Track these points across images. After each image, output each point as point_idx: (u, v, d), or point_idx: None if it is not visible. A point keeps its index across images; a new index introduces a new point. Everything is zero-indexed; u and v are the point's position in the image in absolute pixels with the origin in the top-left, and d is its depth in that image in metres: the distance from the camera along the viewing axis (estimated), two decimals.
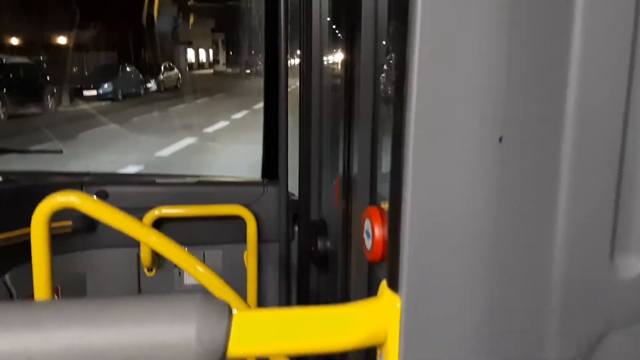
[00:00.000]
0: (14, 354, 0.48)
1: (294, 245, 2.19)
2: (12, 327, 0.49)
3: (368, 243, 1.27)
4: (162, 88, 23.68)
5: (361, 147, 1.56)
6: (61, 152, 3.20)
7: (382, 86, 1.60)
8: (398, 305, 0.55)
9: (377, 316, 0.56)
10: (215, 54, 41.21)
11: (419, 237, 0.54)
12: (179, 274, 2.23)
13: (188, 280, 2.20)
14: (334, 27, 2.04)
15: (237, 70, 36.01)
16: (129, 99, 19.72)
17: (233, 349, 0.52)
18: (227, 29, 38.13)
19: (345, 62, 1.64)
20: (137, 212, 1.98)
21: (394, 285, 0.56)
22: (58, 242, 1.41)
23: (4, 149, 2.66)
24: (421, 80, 0.52)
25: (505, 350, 0.58)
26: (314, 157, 2.06)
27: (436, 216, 0.55)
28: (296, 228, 2.20)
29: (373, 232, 1.23)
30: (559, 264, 0.58)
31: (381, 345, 0.57)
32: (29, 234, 1.70)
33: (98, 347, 0.50)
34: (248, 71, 34.50)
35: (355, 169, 1.58)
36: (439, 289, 0.55)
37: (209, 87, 25.52)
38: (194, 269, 1.48)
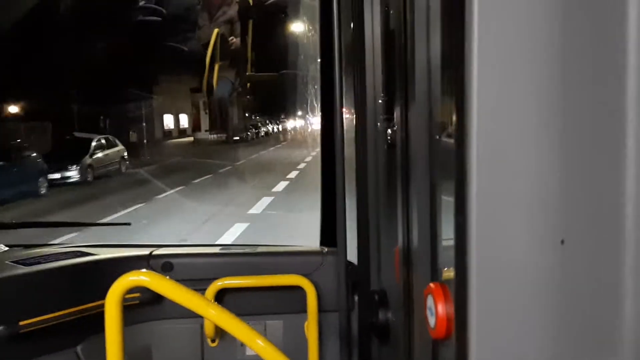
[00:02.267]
0: None
1: (354, 315, 2.18)
2: None
3: (431, 321, 1.25)
4: (89, 176, 15.29)
5: (420, 216, 1.54)
6: (129, 224, 3.34)
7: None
8: None
9: None
10: (196, 119, 34.49)
11: (487, 323, 0.55)
12: (241, 344, 2.24)
13: (250, 351, 2.21)
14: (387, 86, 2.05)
15: (224, 136, 30.55)
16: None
17: None
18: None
19: (399, 126, 1.64)
20: (201, 283, 2.03)
21: None
22: (126, 313, 1.47)
23: (71, 223, 2.81)
24: (480, 176, 0.54)
25: None
26: (372, 224, 2.06)
27: (503, 294, 0.55)
28: (356, 298, 2.19)
29: (436, 310, 1.22)
30: (630, 258, 0.57)
31: None
32: (99, 306, 1.78)
33: None
34: (237, 138, 30.01)
35: (414, 239, 1.57)
36: None
37: (182, 166, 19.36)
38: (254, 343, 1.50)
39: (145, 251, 2.25)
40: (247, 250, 2.36)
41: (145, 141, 24.14)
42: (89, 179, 15.34)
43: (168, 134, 31.15)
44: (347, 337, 2.10)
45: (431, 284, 1.27)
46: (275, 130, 39.57)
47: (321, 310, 2.13)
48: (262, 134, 36.15)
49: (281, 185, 15.33)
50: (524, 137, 0.55)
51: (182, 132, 32.91)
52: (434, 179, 1.53)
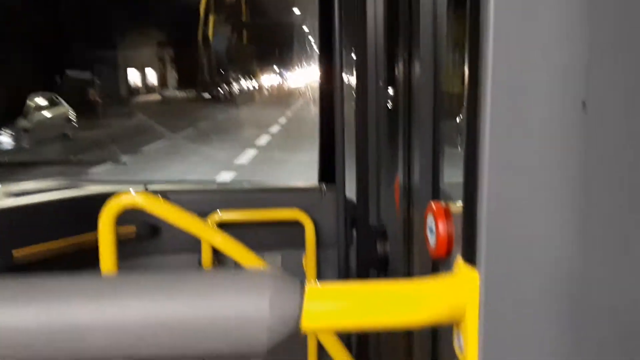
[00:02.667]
0: (94, 323, 0.49)
1: (353, 249, 2.17)
2: (93, 297, 0.50)
3: (431, 240, 1.24)
4: (25, 142, 12.38)
5: (422, 145, 1.53)
6: (125, 163, 3.31)
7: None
8: (477, 280, 0.52)
9: (454, 291, 0.53)
10: (162, 74, 31.32)
11: (496, 208, 0.52)
12: None
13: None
14: (390, 22, 2.02)
15: (193, 94, 28.47)
16: None
17: (306, 323, 0.51)
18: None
19: (403, 58, 1.62)
20: (198, 216, 2.02)
21: (471, 259, 0.53)
22: (122, 247, 1.45)
23: (70, 160, 2.78)
24: (497, 57, 0.50)
25: (591, 331, 0.54)
26: (371, 160, 2.04)
27: (515, 188, 0.52)
28: (354, 233, 2.18)
29: (437, 227, 1.20)
30: None
31: (459, 322, 0.55)
32: (93, 240, 1.76)
33: (174, 317, 0.50)
34: (208, 95, 27.73)
35: (416, 168, 1.55)
36: (520, 263, 0.53)
37: (144, 128, 17.01)
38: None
39: (140, 186, 2.22)
40: (246, 186, 2.34)
41: (103, 100, 20.86)
42: (25, 145, 12.39)
43: (135, 91, 27.80)
44: (345, 271, 2.10)
45: (432, 203, 1.25)
46: (253, 87, 36.58)
47: (320, 245, 2.13)
48: (239, 91, 32.60)
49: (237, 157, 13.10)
50: (545, 71, 0.51)
51: (150, 90, 29.39)
52: (436, 114, 1.51)
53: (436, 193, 1.45)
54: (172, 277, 0.54)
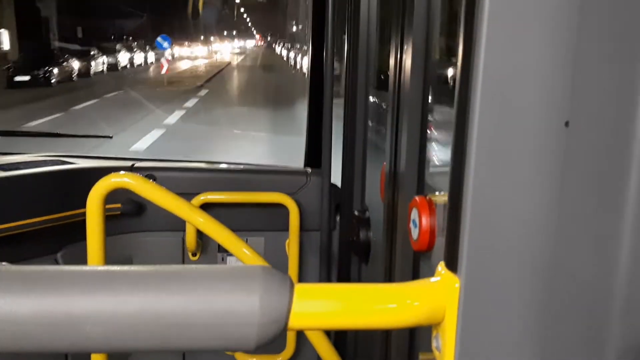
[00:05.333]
0: (87, 315, 0.51)
1: (336, 234, 2.21)
2: (88, 289, 0.52)
3: (414, 232, 1.27)
4: None
5: (409, 136, 1.55)
6: (111, 137, 3.29)
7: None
8: (457, 285, 0.55)
9: (436, 295, 0.56)
10: None
11: (479, 217, 0.54)
12: (222, 259, 2.27)
13: (231, 265, 2.24)
14: (383, 11, 2.02)
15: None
16: None
17: (294, 321, 0.54)
18: None
19: (393, 48, 1.63)
20: (184, 197, 2.03)
21: (452, 266, 0.56)
22: (107, 224, 1.46)
23: (54, 134, 2.76)
24: (487, 64, 0.52)
25: (563, 334, 0.58)
26: (357, 147, 2.06)
27: (497, 198, 0.55)
28: (338, 218, 2.21)
29: (420, 221, 1.23)
30: (626, 251, 0.57)
31: (437, 324, 0.58)
32: (79, 215, 1.76)
33: (167, 311, 0.52)
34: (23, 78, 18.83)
35: (402, 158, 1.58)
36: (498, 270, 0.55)
37: None
38: (240, 252, 1.51)
39: (127, 163, 2.22)
40: (232, 167, 2.35)
41: None
42: None
43: None
44: (327, 255, 2.14)
45: (417, 197, 1.28)
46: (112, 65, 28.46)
47: (303, 229, 2.15)
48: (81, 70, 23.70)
49: None
50: (531, 84, 0.53)
51: None
52: (425, 99, 1.53)
53: (421, 185, 1.48)
54: (168, 270, 0.55)
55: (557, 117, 0.54)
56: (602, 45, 0.53)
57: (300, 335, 2.17)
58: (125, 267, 0.55)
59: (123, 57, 30.56)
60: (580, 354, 0.56)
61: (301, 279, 2.22)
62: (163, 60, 23.51)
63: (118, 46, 31.51)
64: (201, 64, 37.08)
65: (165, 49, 22.67)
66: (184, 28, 46.91)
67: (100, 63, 26.63)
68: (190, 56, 43.08)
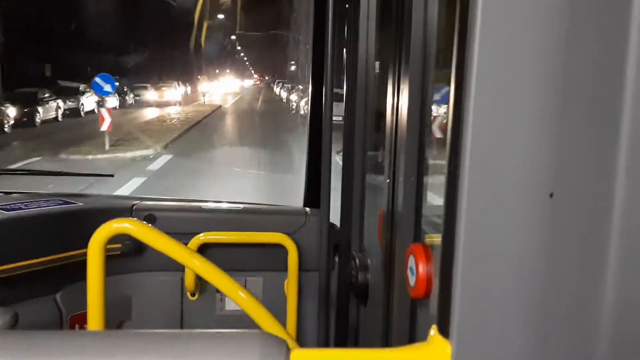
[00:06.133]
0: None
1: (335, 275, 2.21)
2: (87, 356, 0.53)
3: (412, 280, 1.28)
4: None
5: (406, 180, 1.57)
6: (112, 176, 3.32)
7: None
8: (448, 350, 0.56)
9: None
10: None
11: (471, 283, 0.56)
12: (221, 299, 2.27)
13: (229, 305, 2.23)
14: (380, 56, 2.06)
15: None
16: None
17: None
18: None
19: (390, 90, 1.66)
20: (183, 237, 2.04)
21: (444, 331, 0.57)
22: (107, 263, 1.48)
23: (56, 172, 2.79)
24: (476, 125, 0.54)
25: None
26: (356, 187, 2.08)
27: (488, 262, 0.56)
28: (337, 259, 2.22)
29: (417, 269, 1.24)
30: (608, 317, 0.59)
31: None
32: (80, 255, 1.77)
33: None
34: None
35: (399, 203, 1.59)
36: (490, 337, 0.57)
37: None
38: (236, 295, 1.52)
39: (128, 202, 2.24)
40: (232, 207, 2.37)
41: None
42: None
43: None
44: (326, 296, 2.14)
45: (413, 245, 1.30)
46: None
47: (302, 269, 2.16)
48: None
49: None
50: (522, 112, 0.56)
51: None
52: (422, 145, 1.55)
53: (418, 231, 1.49)
54: (163, 336, 0.57)
55: (544, 193, 0.56)
56: (583, 125, 0.55)
57: None
58: (120, 332, 0.56)
59: (89, 100, 23.66)
60: None
61: (300, 318, 2.22)
62: (103, 111, 14.98)
63: (82, 87, 24.17)
64: (179, 110, 27.54)
65: (106, 93, 15.42)
66: (173, 66, 39.33)
67: (52, 108, 21.17)
68: (162, 101, 30.31)
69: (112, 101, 22.34)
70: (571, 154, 0.55)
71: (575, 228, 0.57)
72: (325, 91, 2.07)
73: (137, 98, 29.97)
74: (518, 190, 0.56)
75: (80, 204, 2.18)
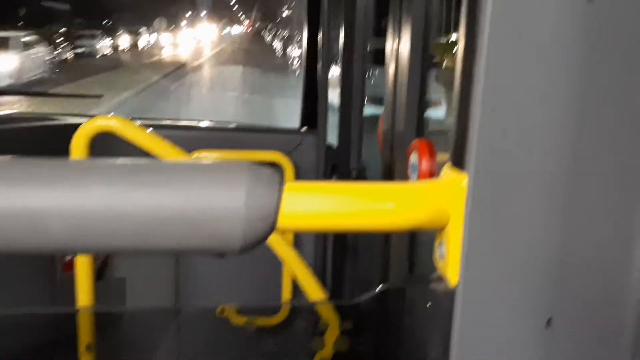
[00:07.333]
0: (54, 209, 0.46)
1: None
2: (54, 182, 0.47)
3: (413, 177, 1.22)
4: None
5: (409, 89, 1.50)
6: (101, 96, 3.23)
7: None
8: (463, 183, 0.50)
9: (441, 196, 0.51)
10: None
11: (489, 110, 0.49)
12: None
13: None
14: None
15: None
16: None
17: (283, 220, 0.49)
18: None
19: (393, 6, 1.58)
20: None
21: (460, 163, 0.51)
22: None
23: (45, 93, 2.69)
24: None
25: (578, 243, 0.53)
26: (355, 106, 2.01)
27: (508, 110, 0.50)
28: (334, 178, 2.17)
29: (420, 164, 1.18)
30: None
31: (441, 230, 0.52)
32: None
33: (142, 206, 0.47)
34: None
35: (400, 111, 1.53)
36: (510, 167, 0.50)
37: None
38: None
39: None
40: (226, 125, 2.30)
41: None
42: None
43: None
44: None
45: (416, 140, 1.23)
46: None
47: None
48: None
49: None
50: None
51: None
52: (425, 65, 1.48)
53: (421, 129, 1.43)
54: (144, 163, 0.50)
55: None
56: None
57: (296, 299, 2.13)
58: (99, 160, 0.49)
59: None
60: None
61: (297, 244, 2.18)
62: None
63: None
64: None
65: None
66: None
67: None
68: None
69: None
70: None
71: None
72: (321, 9, 1.98)
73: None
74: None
75: (66, 119, 2.10)
